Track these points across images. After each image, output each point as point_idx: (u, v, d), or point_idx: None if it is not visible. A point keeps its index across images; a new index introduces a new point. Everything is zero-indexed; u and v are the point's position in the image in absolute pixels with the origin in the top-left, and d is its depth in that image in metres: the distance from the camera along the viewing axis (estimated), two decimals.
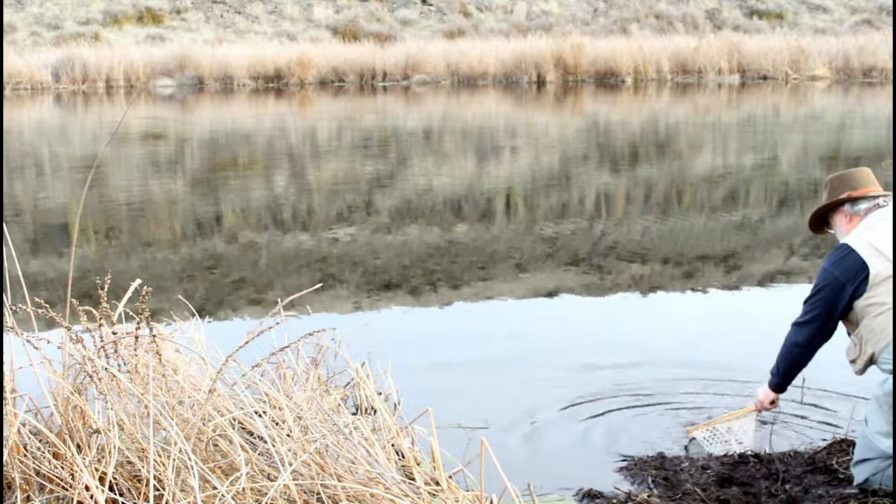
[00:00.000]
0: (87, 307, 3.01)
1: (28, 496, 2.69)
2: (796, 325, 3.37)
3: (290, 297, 3.63)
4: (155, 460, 2.53)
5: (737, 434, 3.68)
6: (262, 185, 10.97)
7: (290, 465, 2.53)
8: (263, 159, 13.68)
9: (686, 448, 3.73)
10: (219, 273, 7.02)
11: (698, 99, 22.68)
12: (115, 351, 2.99)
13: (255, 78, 26.82)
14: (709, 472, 3.42)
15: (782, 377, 3.48)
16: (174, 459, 2.52)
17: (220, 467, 2.70)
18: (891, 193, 3.40)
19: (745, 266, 7.09)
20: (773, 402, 3.58)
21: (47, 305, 2.89)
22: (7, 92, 24.43)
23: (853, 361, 3.26)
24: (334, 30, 32.44)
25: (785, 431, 3.83)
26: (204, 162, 13.56)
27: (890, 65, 25.74)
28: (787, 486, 3.27)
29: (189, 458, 2.45)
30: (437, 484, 2.90)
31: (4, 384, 2.74)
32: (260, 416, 2.84)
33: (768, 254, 7.46)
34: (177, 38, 30.31)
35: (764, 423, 3.89)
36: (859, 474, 3.22)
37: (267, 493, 2.50)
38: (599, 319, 5.58)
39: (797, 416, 3.97)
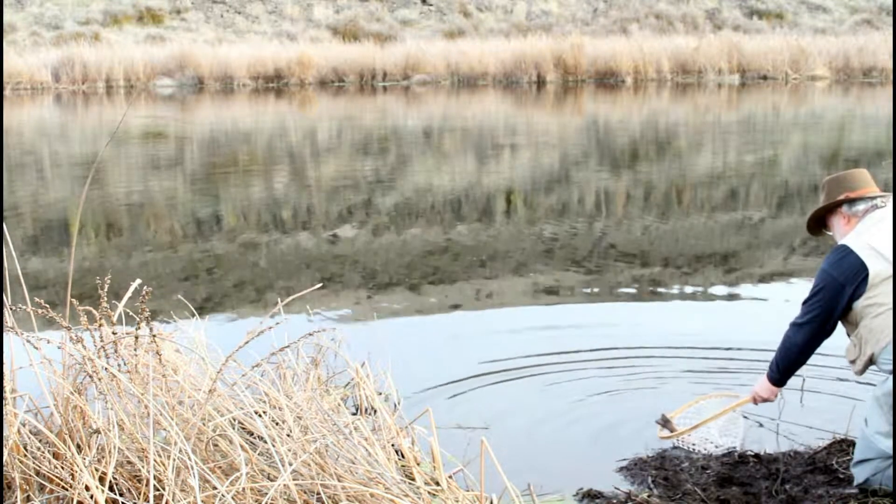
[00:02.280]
0: (87, 307, 3.01)
1: (28, 496, 2.69)
2: (795, 325, 3.38)
3: (290, 297, 3.63)
4: (155, 460, 2.53)
5: (723, 432, 3.69)
6: (262, 185, 10.98)
7: (290, 465, 2.53)
8: (263, 159, 13.68)
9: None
10: (219, 273, 7.02)
11: (698, 99, 22.68)
12: (115, 351, 2.99)
13: (255, 78, 26.83)
14: (709, 472, 3.42)
15: (782, 373, 3.50)
16: (174, 459, 2.53)
17: (220, 467, 2.70)
18: (889, 194, 3.40)
19: (745, 266, 7.09)
20: (775, 395, 3.60)
21: (47, 305, 2.89)
22: (7, 92, 24.43)
23: (853, 362, 3.26)
24: (334, 30, 32.45)
25: (785, 431, 3.83)
26: (204, 162, 13.56)
27: (890, 65, 25.75)
28: (787, 486, 3.27)
29: (189, 458, 2.45)
30: (437, 484, 2.90)
31: (4, 384, 2.74)
32: (260, 416, 2.84)
33: (768, 254, 7.46)
34: (177, 38, 30.32)
35: (763, 424, 3.89)
36: (859, 475, 3.22)
37: (267, 493, 2.50)
38: (599, 319, 5.57)
39: (797, 415, 3.96)
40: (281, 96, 24.51)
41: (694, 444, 3.68)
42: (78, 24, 31.48)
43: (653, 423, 3.86)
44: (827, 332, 3.32)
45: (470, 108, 21.76)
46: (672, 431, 3.71)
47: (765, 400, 3.61)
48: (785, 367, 3.47)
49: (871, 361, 3.17)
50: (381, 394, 4.06)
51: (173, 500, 2.48)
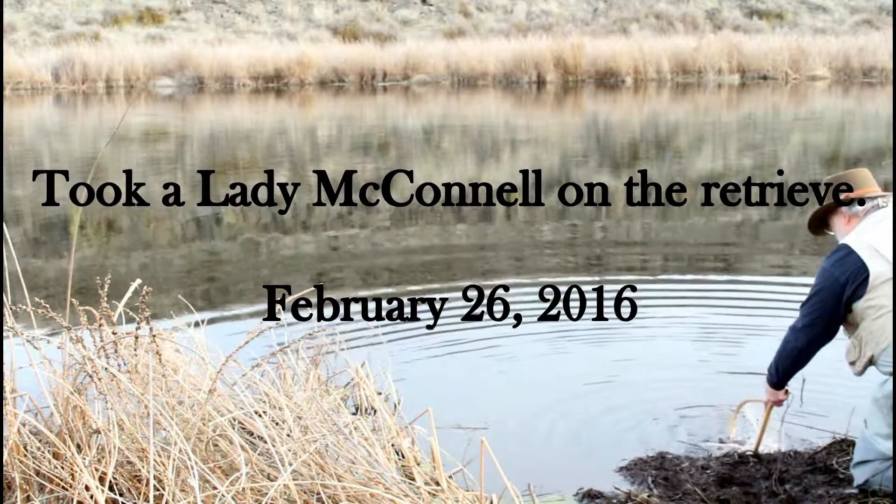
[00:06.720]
0: (87, 307, 3.01)
1: (28, 496, 2.69)
2: (795, 329, 3.33)
3: (291, 297, 3.63)
4: (155, 460, 2.53)
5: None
6: (261, 185, 10.95)
7: (290, 465, 2.53)
8: (263, 159, 13.68)
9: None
10: (219, 273, 7.02)
11: (698, 99, 22.67)
12: (115, 351, 2.99)
13: (255, 78, 26.82)
14: (709, 472, 3.42)
15: (782, 376, 3.48)
16: (174, 459, 2.53)
17: (220, 467, 2.70)
18: (890, 194, 3.40)
19: (745, 266, 7.09)
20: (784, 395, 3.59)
21: (47, 305, 2.89)
22: (7, 92, 24.43)
23: (852, 363, 3.24)
24: (334, 30, 32.44)
25: (785, 431, 3.83)
26: (204, 161, 13.56)
27: (890, 65, 25.73)
28: (787, 486, 3.27)
29: (189, 458, 2.45)
30: (437, 484, 2.90)
31: (4, 384, 2.74)
32: (260, 416, 2.84)
33: (768, 254, 7.45)
34: (177, 38, 30.31)
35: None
36: (859, 476, 3.21)
37: (267, 493, 2.50)
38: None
39: (797, 415, 3.96)
40: (281, 96, 24.51)
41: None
42: (78, 24, 31.48)
43: (653, 424, 3.87)
44: (830, 333, 3.27)
45: (470, 108, 21.75)
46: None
47: (776, 403, 3.59)
48: (785, 370, 3.44)
49: (871, 363, 3.17)
50: (381, 394, 4.06)
51: (173, 500, 2.48)
